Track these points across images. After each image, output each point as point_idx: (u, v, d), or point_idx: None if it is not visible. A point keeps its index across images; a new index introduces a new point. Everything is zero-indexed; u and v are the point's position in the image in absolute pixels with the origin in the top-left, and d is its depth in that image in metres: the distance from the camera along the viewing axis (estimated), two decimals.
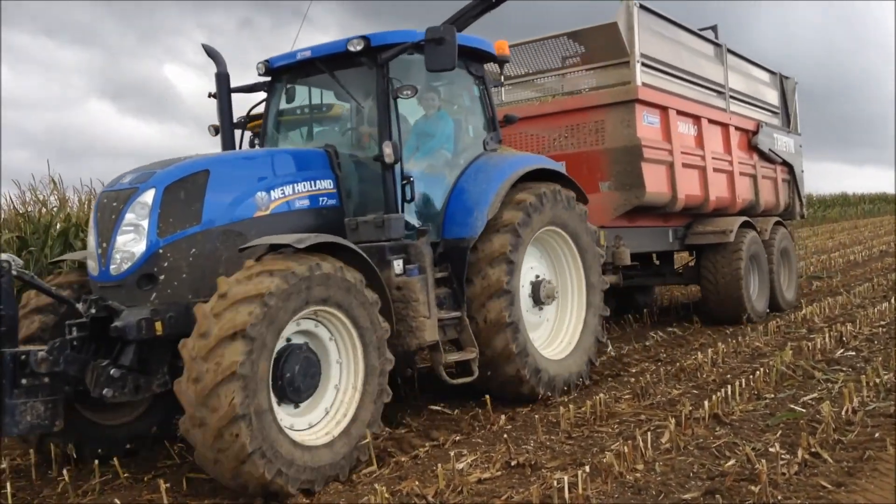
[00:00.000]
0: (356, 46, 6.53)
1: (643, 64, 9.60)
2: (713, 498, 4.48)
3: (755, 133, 12.10)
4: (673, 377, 7.81)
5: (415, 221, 6.73)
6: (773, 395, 6.71)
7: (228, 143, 7.42)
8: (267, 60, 7.24)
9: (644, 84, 9.54)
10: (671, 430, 5.57)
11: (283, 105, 7.40)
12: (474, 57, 7.51)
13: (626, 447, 5.20)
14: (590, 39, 9.78)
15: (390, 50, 6.54)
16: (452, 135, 7.38)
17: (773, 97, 13.63)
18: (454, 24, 8.81)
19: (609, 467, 4.95)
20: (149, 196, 5.54)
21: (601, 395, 6.87)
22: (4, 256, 5.09)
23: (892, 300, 11.29)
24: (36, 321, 5.77)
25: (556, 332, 7.70)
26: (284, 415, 5.27)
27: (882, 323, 9.97)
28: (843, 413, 5.92)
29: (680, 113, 10.18)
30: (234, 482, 4.86)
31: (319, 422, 5.49)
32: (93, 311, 5.44)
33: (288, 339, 5.27)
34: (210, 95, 7.40)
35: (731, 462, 5.06)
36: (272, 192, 6.14)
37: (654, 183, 9.43)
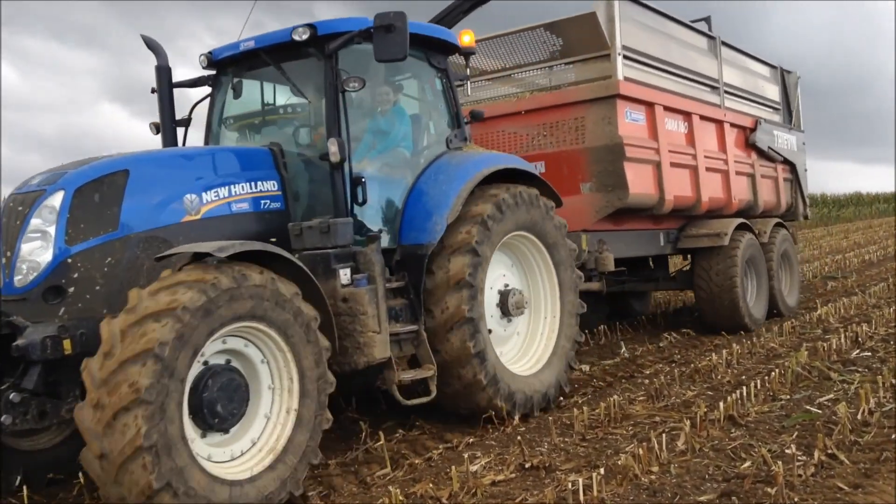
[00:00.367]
0: (302, 35, 6.06)
1: (625, 57, 9.00)
2: (729, 500, 4.47)
3: (753, 130, 11.50)
4: (687, 378, 7.78)
5: (369, 226, 6.27)
6: (788, 397, 6.67)
7: (169, 142, 6.92)
8: (210, 52, 6.75)
9: (626, 78, 8.95)
10: (686, 431, 5.56)
11: (230, 100, 6.92)
12: (436, 48, 7.04)
13: (640, 449, 5.19)
14: (568, 31, 9.20)
15: (338, 39, 6.05)
16: (411, 132, 6.90)
17: (773, 92, 13.00)
18: (442, 21, 8.37)
19: (624, 469, 4.95)
20: (57, 199, 5.08)
21: (615, 396, 6.89)
22: None
23: None
24: None
25: (528, 344, 7.20)
26: (203, 445, 4.70)
27: None
28: (859, 414, 5.84)
29: (668, 109, 9.56)
30: None
31: (244, 453, 4.92)
32: None
33: (205, 363, 4.72)
34: (153, 91, 6.95)
35: (747, 464, 5.04)
36: (204, 194, 5.63)
37: (639, 184, 8.87)
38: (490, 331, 6.61)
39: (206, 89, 7.02)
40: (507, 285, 6.97)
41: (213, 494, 4.40)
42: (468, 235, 6.35)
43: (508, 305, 6.86)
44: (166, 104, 6.88)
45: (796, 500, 4.36)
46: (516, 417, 6.51)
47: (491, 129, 9.10)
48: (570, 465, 5.32)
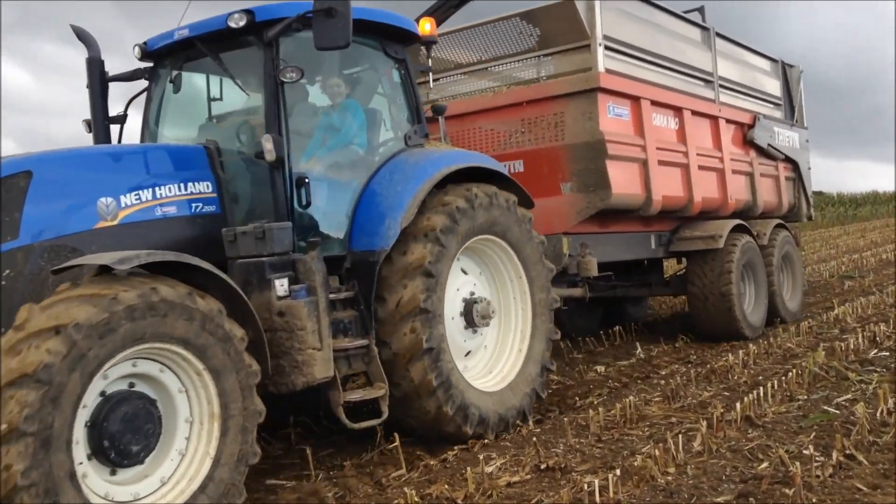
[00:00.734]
0: (238, 22, 5.56)
1: (607, 48, 8.40)
2: (746, 501, 4.44)
3: (751, 126, 10.90)
4: (703, 379, 7.74)
5: (315, 232, 5.75)
6: (806, 397, 6.60)
7: (102, 141, 6.36)
8: (145, 42, 6.22)
9: (608, 71, 8.34)
10: (703, 432, 5.54)
11: (169, 95, 6.37)
12: (393, 37, 6.49)
13: (657, 450, 5.19)
14: (545, 20, 8.61)
15: (277, 26, 5.53)
16: (365, 128, 6.33)
17: (773, 87, 12.31)
18: (433, 14, 7.91)
19: (640, 470, 4.94)
20: None
21: (631, 397, 6.85)
22: None
23: None
24: None
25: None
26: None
27: None
28: (877, 414, 5.78)
29: (655, 104, 8.94)
30: None
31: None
32: None
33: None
34: (88, 87, 6.45)
35: (765, 465, 5.00)
36: (123, 197, 5.08)
37: (623, 183, 8.27)
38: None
39: (145, 83, 6.49)
40: (472, 293, 6.43)
41: None
42: (433, 223, 5.83)
43: (474, 315, 6.33)
44: (98, 100, 6.36)
45: (814, 501, 4.31)
46: (492, 437, 6.08)
47: (467, 126, 8.58)
48: (586, 466, 5.29)
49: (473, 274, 6.52)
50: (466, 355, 6.41)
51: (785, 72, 12.65)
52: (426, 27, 6.78)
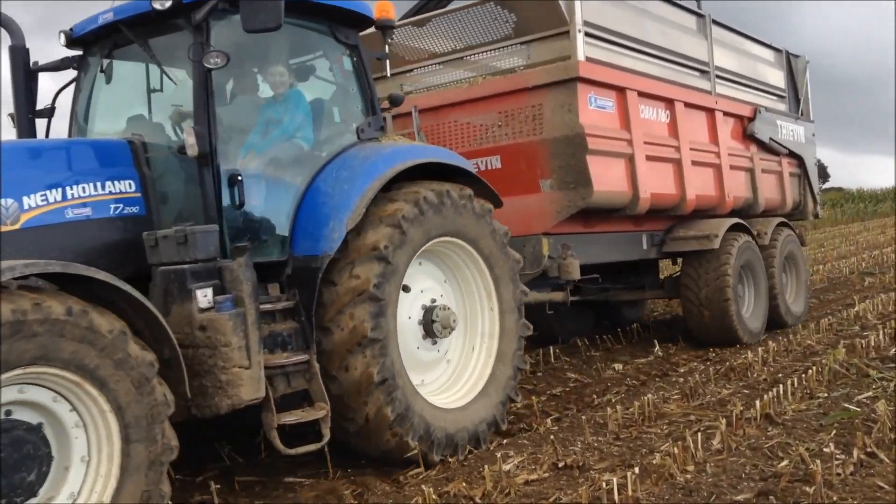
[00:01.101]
0: (164, 4, 5.07)
1: (588, 34, 7.82)
2: (766, 499, 4.45)
3: (751, 119, 10.28)
4: (723, 376, 7.74)
5: (252, 235, 5.26)
6: (826, 394, 6.60)
7: (26, 137, 5.87)
8: (71, 28, 5.75)
9: (589, 59, 7.76)
10: (722, 430, 5.55)
11: (100, 86, 5.88)
12: (345, 20, 5.96)
13: (675, 448, 5.19)
14: (521, 6, 8.05)
15: (204, 7, 5.04)
16: (310, 120, 5.81)
17: (776, 78, 11.64)
18: (423, 8, 7.61)
19: (659, 468, 4.97)
20: None
21: (649, 395, 6.86)
22: None
23: None
24: None
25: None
26: None
27: None
28: None
29: (643, 95, 8.34)
30: None
31: None
32: None
33: None
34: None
35: (785, 463, 4.98)
36: (26, 198, 4.57)
37: (606, 180, 7.70)
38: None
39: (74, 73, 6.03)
40: (433, 300, 5.91)
41: None
42: (364, 281, 5.22)
43: (433, 325, 5.81)
44: (21, 91, 5.89)
45: (835, 499, 4.32)
46: (461, 456, 5.62)
47: (442, 120, 8.02)
48: (605, 464, 5.29)
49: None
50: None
51: (789, 62, 11.99)
52: (382, 10, 6.25)
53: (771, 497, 4.42)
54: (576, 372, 8.37)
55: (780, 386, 6.61)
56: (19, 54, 5.83)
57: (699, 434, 5.51)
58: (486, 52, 8.44)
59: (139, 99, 5.81)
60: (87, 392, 3.75)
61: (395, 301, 5.40)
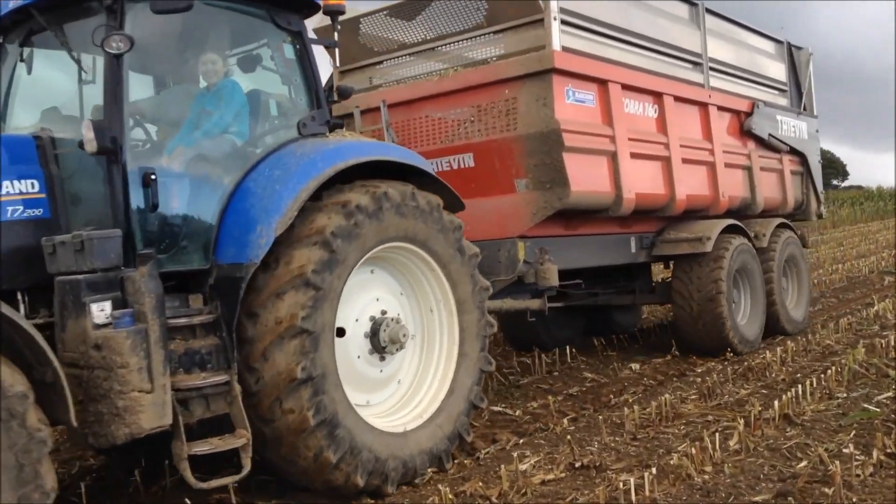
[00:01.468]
0: None
1: (564, 22, 7.29)
2: (785, 500, 4.44)
3: (749, 114, 9.79)
4: (740, 377, 7.73)
5: (169, 241, 4.77)
6: (845, 395, 6.60)
7: None
8: None
9: (565, 49, 7.23)
10: (740, 430, 5.55)
11: (19, 75, 5.44)
12: (287, 5, 5.51)
13: (693, 448, 5.21)
14: None
15: None
16: (245, 114, 5.33)
17: (777, 71, 11.13)
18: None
19: (676, 469, 4.98)
20: None
21: (666, 395, 6.84)
22: None
23: None
24: None
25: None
26: None
27: None
28: None
29: (628, 88, 7.83)
30: None
31: None
32: None
33: None
34: None
35: (803, 463, 5.00)
36: None
37: (585, 180, 7.21)
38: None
39: None
40: (384, 312, 5.44)
41: None
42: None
43: (380, 338, 5.32)
44: None
45: (854, 500, 4.33)
46: (392, 489, 5.10)
47: (413, 115, 7.56)
48: (622, 464, 5.30)
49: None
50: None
51: (791, 54, 11.44)
52: None
53: (789, 498, 4.41)
54: (592, 371, 8.34)
55: (799, 386, 6.57)
56: None
57: (717, 434, 5.49)
58: (459, 42, 7.91)
59: (57, 91, 5.36)
60: None
61: (337, 296, 4.87)
